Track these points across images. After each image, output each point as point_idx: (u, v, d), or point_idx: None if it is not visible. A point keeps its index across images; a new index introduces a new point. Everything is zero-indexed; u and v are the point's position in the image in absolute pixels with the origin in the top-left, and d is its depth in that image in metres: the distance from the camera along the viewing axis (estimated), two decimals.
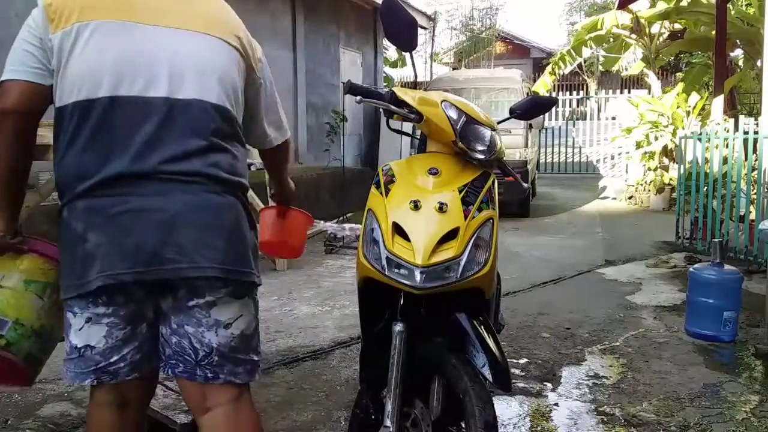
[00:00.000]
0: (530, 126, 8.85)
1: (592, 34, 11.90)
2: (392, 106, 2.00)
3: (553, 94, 16.90)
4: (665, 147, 9.76)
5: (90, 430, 1.70)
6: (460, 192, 1.84)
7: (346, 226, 6.18)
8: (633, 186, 10.32)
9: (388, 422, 1.73)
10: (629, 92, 15.65)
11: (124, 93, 1.48)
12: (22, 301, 1.67)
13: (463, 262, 1.75)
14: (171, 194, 1.47)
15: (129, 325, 1.57)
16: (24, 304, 1.67)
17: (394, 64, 17.36)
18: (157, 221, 1.46)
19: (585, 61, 18.42)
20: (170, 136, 1.49)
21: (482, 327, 1.82)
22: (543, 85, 12.57)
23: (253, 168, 7.04)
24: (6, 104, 1.50)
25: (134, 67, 1.49)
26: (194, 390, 1.63)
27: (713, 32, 8.98)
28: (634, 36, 11.73)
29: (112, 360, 1.58)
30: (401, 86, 9.48)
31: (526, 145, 8.82)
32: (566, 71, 13.03)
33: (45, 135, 1.85)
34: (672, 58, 15.30)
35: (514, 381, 3.08)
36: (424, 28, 14.48)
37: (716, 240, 4.08)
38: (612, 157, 14.25)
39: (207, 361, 1.58)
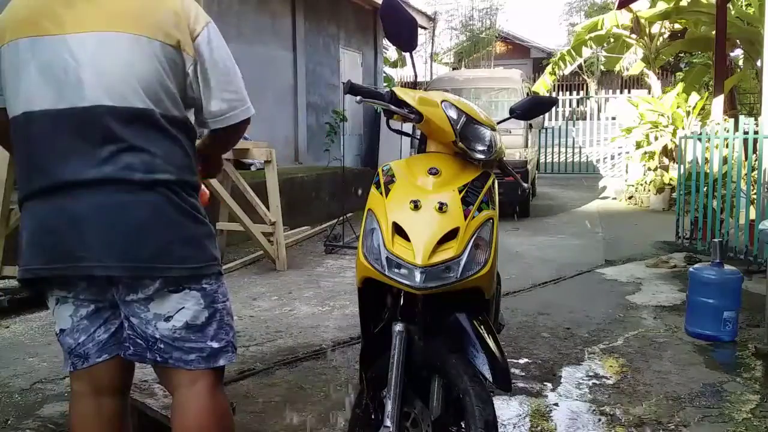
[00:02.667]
0: (530, 126, 8.86)
1: (592, 35, 11.89)
2: (392, 106, 2.00)
3: (553, 94, 16.90)
4: (665, 147, 9.76)
5: (71, 421, 1.75)
6: (460, 192, 1.84)
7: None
8: (633, 186, 10.32)
9: (388, 422, 1.73)
10: (629, 92, 15.67)
11: (36, 108, 1.54)
12: None
13: (463, 262, 1.75)
14: (84, 198, 1.52)
15: (93, 304, 1.65)
16: None
17: (394, 64, 17.39)
18: (71, 223, 1.53)
19: (585, 62, 18.42)
20: (81, 146, 1.52)
21: (482, 327, 1.81)
22: (543, 85, 12.56)
23: (253, 168, 7.04)
24: None
25: (42, 81, 1.53)
26: (157, 371, 1.72)
27: (713, 32, 8.97)
28: (634, 36, 11.72)
29: (80, 341, 1.67)
30: (401, 86, 9.47)
31: (526, 145, 8.82)
32: (566, 71, 13.01)
33: None
34: (672, 58, 15.28)
35: (514, 381, 3.08)
36: (424, 28, 14.50)
37: (716, 240, 4.07)
38: (612, 157, 14.27)
39: (155, 347, 1.62)
